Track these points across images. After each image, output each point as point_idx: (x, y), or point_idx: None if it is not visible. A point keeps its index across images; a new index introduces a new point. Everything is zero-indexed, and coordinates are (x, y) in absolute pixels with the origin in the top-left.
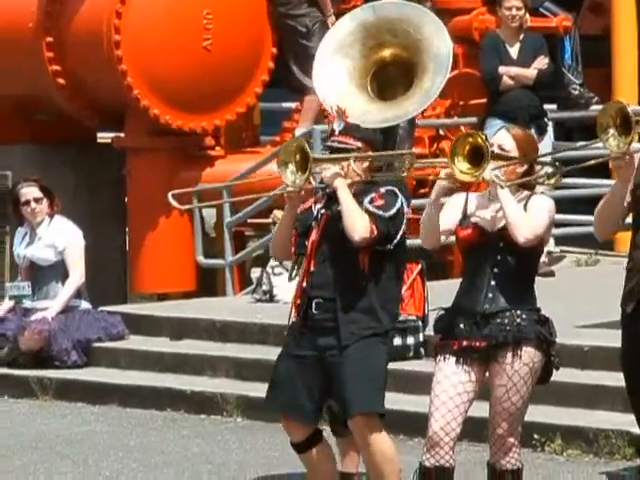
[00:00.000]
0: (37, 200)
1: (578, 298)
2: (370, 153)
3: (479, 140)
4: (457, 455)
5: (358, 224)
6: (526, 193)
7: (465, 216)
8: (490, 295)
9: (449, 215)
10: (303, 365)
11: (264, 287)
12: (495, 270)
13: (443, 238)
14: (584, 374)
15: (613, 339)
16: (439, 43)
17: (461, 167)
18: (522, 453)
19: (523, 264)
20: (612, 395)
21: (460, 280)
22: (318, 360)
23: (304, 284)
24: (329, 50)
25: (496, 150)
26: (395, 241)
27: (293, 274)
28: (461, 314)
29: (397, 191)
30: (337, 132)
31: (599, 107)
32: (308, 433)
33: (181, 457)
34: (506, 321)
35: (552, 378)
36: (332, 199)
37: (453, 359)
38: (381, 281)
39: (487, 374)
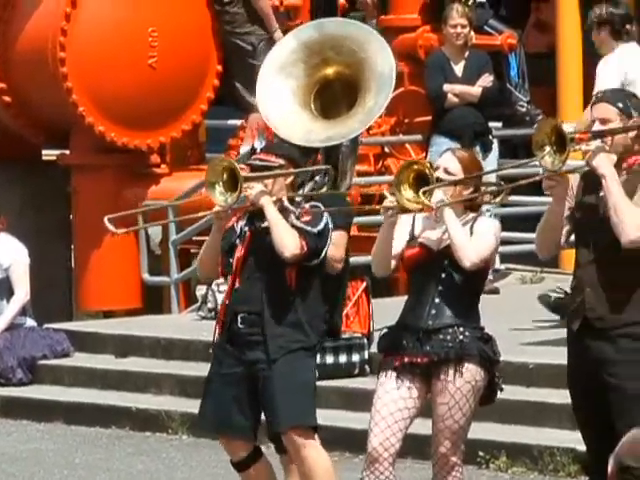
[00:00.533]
0: None
1: (523, 315)
2: (292, 170)
3: (423, 167)
4: (401, 472)
5: (288, 240)
6: (472, 215)
7: (412, 237)
8: (433, 312)
9: (397, 240)
10: (231, 382)
11: (209, 305)
12: (439, 287)
13: (394, 262)
14: (530, 391)
15: (558, 356)
16: (382, 62)
17: (407, 195)
18: (467, 470)
19: (468, 282)
20: (557, 412)
21: (406, 298)
22: (246, 375)
23: (227, 301)
24: (272, 69)
25: (441, 173)
26: (322, 256)
27: None
28: (405, 331)
29: (321, 206)
30: (258, 150)
31: None
32: (247, 451)
33: (126, 475)
34: (448, 337)
35: (499, 395)
36: (255, 216)
37: (394, 375)
38: (308, 297)
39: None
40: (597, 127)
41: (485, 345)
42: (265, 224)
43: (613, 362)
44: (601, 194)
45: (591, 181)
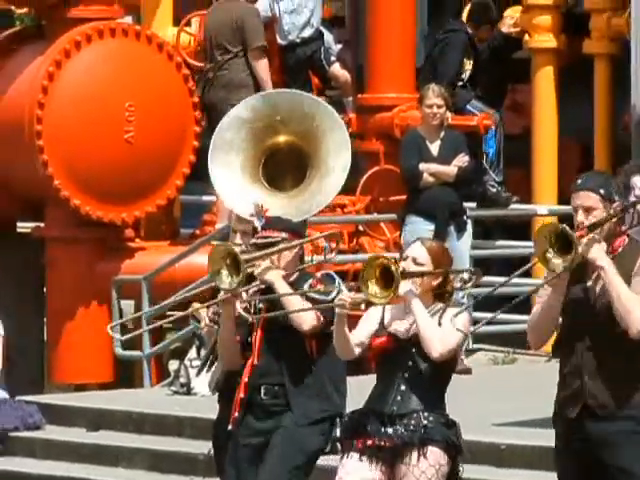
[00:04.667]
0: None
1: (495, 396)
2: (296, 241)
3: (388, 262)
4: None
5: (305, 314)
6: (440, 305)
7: (382, 326)
8: (399, 398)
9: (364, 328)
10: (249, 454)
11: (182, 379)
12: (406, 375)
13: (358, 350)
14: (500, 472)
15: (531, 437)
16: (335, 134)
17: (373, 291)
18: None
19: (435, 371)
20: None
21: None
22: (263, 444)
23: (247, 378)
24: (219, 145)
25: (410, 264)
26: None
27: (204, 369)
28: (369, 415)
29: (333, 273)
30: (260, 229)
31: (520, 206)
32: None
33: None
34: (413, 422)
35: (471, 475)
36: (265, 292)
37: (357, 456)
38: (329, 363)
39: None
40: (581, 216)
41: (449, 430)
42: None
43: (619, 445)
44: (589, 283)
45: (576, 271)
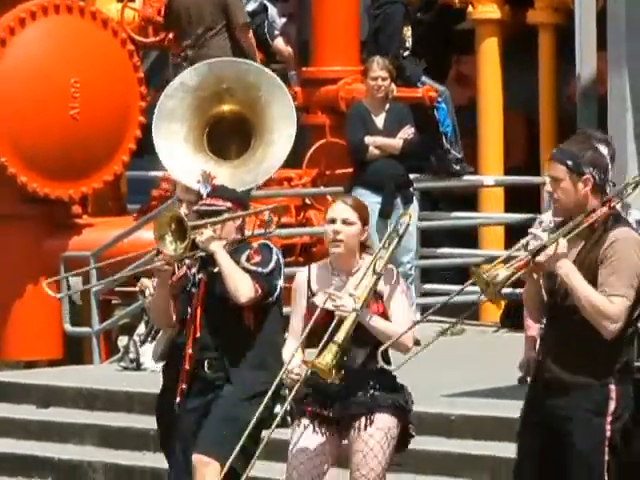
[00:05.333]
0: None
1: (444, 366)
2: (241, 212)
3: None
4: None
5: (242, 285)
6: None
7: (312, 304)
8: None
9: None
10: (192, 417)
11: (131, 355)
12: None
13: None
14: (450, 442)
15: (479, 408)
16: (280, 101)
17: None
18: None
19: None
20: (476, 463)
21: None
22: (204, 407)
23: (190, 350)
24: (162, 116)
25: (340, 225)
26: (277, 293)
27: (148, 340)
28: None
29: (270, 244)
30: (205, 195)
31: (467, 177)
32: None
33: None
34: (360, 394)
35: (420, 446)
36: (206, 261)
37: (308, 421)
38: (269, 335)
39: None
40: (548, 187)
41: (397, 394)
42: (217, 269)
43: (570, 420)
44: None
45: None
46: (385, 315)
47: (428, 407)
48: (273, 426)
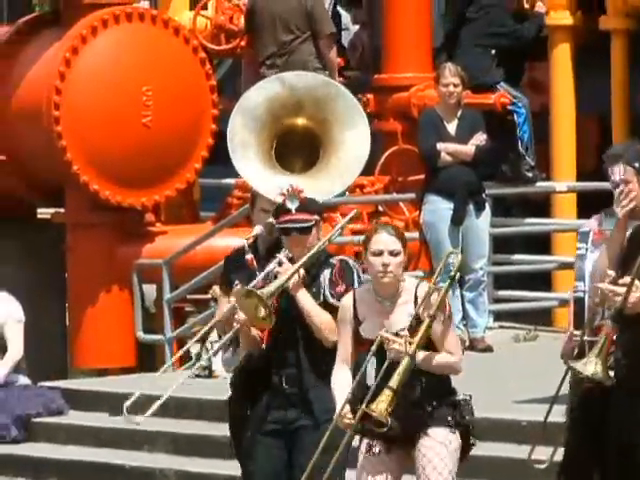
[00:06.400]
0: None
1: (517, 373)
2: (320, 241)
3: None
4: None
5: (326, 333)
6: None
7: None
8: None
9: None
10: (272, 441)
11: (203, 363)
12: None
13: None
14: (522, 449)
15: (555, 414)
16: (354, 126)
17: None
18: None
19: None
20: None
21: None
22: (283, 432)
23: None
24: (239, 124)
25: (386, 257)
26: None
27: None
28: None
29: (350, 262)
30: (294, 211)
31: (540, 184)
32: None
33: None
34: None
35: (490, 453)
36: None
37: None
38: None
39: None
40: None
41: (454, 410)
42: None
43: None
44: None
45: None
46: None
47: (498, 413)
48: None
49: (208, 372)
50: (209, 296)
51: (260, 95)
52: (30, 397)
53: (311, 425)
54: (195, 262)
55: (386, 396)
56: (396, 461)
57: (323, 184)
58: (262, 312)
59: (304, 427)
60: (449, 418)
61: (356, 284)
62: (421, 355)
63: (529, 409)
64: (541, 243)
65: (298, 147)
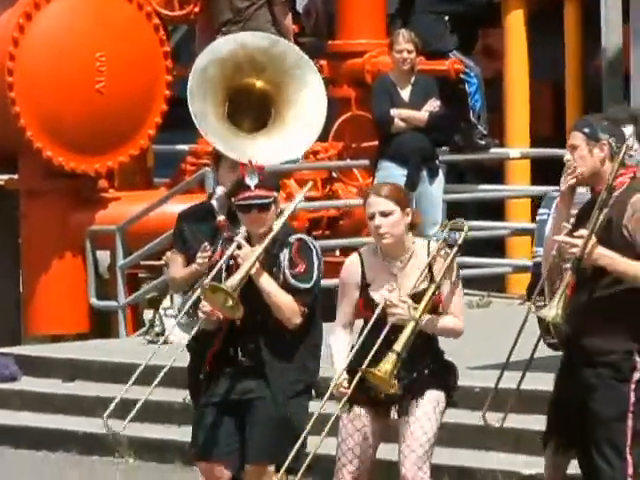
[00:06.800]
0: None
1: (470, 339)
2: (278, 221)
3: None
4: None
5: (288, 314)
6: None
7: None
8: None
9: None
10: (223, 411)
11: (156, 329)
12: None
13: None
14: (475, 415)
15: (505, 380)
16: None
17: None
18: None
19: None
20: (501, 436)
21: None
22: (237, 402)
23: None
24: (195, 85)
25: (379, 218)
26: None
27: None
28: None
29: (308, 240)
30: (253, 186)
31: (494, 150)
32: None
33: None
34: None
35: (444, 419)
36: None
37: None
38: (307, 333)
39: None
40: (567, 156)
41: (448, 376)
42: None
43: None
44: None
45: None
46: (439, 300)
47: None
48: (309, 425)
49: (161, 338)
50: (162, 262)
51: (214, 54)
52: None
53: (268, 397)
54: (148, 228)
55: (390, 358)
56: (378, 424)
57: (288, 142)
58: (230, 302)
59: (261, 399)
60: (443, 382)
61: (315, 263)
62: (425, 319)
63: (482, 375)
64: (494, 209)
65: (250, 108)
